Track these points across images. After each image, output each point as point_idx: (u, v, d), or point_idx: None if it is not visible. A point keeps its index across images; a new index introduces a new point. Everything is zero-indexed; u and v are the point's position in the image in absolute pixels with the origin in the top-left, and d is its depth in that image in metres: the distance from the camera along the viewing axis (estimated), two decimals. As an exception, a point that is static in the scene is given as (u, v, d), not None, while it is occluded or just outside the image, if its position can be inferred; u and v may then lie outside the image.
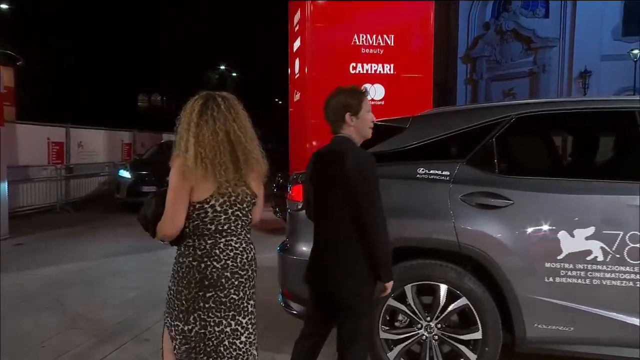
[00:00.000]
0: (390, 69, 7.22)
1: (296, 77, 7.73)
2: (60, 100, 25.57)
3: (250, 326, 2.00)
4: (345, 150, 2.24)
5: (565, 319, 2.54)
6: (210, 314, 1.90)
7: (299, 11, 7.38)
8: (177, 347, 1.95)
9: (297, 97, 7.71)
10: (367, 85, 7.07)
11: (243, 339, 1.96)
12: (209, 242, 1.91)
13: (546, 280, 2.56)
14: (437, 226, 2.76)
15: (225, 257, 1.92)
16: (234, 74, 33.63)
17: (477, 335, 2.65)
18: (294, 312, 3.01)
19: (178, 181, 1.86)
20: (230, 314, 1.92)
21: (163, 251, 6.74)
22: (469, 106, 3.41)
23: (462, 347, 2.68)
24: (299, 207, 2.96)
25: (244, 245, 1.98)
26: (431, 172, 2.78)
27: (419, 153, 2.88)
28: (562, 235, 2.52)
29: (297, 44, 7.65)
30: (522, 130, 2.84)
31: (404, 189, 2.84)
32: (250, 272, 2.01)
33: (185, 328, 1.90)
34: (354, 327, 2.21)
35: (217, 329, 1.90)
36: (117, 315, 4.32)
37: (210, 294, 1.89)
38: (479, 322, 2.64)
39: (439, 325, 2.72)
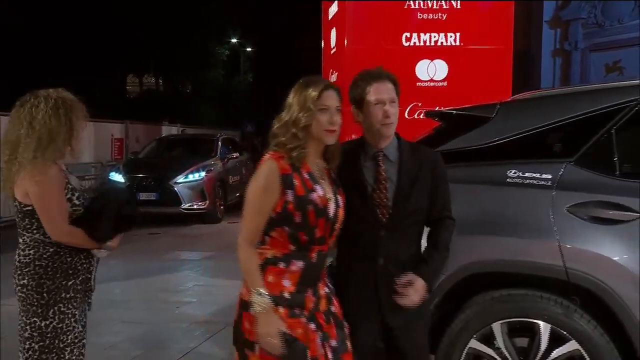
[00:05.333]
0: (455, 40, 7.15)
1: (332, 52, 7.76)
2: (25, 87, 25.68)
3: None
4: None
5: None
6: None
7: (335, -33, 7.43)
8: None
9: (333, 77, 7.75)
10: (426, 61, 7.06)
11: None
12: None
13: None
14: (535, 246, 2.74)
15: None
16: (249, 49, 34.04)
17: (591, 390, 2.60)
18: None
19: None
20: None
21: (167, 275, 6.91)
22: (577, 88, 3.38)
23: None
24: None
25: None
26: (526, 175, 2.76)
27: (509, 150, 2.87)
28: None
29: (333, 9, 7.69)
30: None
31: (489, 197, 2.84)
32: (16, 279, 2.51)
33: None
34: None
35: None
36: None
37: None
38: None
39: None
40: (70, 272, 2.51)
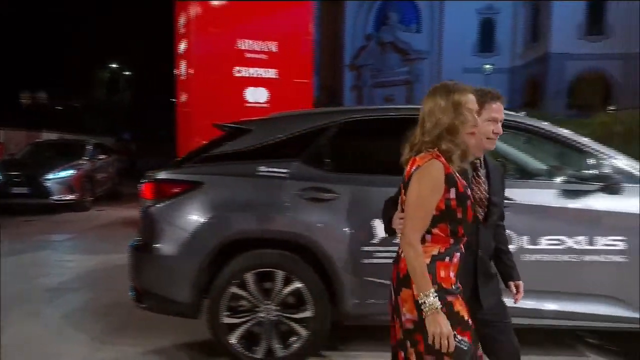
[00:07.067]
0: (274, 74, 7.28)
1: (182, 78, 7.52)
2: None
3: None
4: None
5: (378, 295, 2.74)
6: None
7: (184, 13, 7.18)
8: None
9: (183, 98, 7.50)
10: (252, 88, 7.12)
11: None
12: None
13: (364, 261, 2.77)
14: (277, 219, 2.84)
15: None
16: (127, 73, 31.56)
17: (309, 313, 2.78)
18: (145, 306, 2.96)
19: None
20: None
21: (36, 253, 6.19)
22: (304, 111, 3.58)
23: (296, 325, 2.80)
24: (150, 204, 2.92)
25: None
26: (271, 169, 2.86)
27: (261, 153, 2.94)
28: (376, 223, 2.75)
29: (182, 46, 7.45)
30: (348, 132, 3.05)
31: (247, 185, 2.88)
32: None
33: None
34: None
35: None
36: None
37: None
38: (309, 301, 2.78)
39: (276, 307, 2.81)
40: None
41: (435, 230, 1.69)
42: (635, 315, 2.73)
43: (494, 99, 1.99)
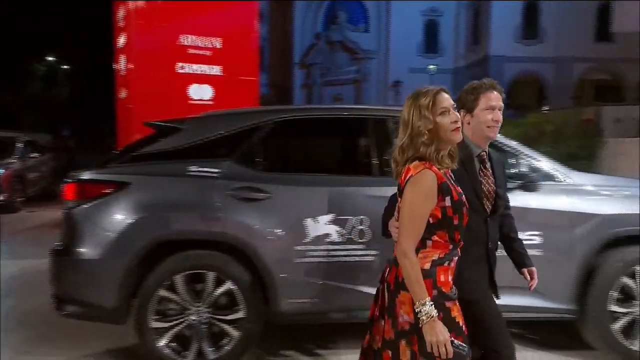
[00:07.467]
0: (218, 71, 7.12)
1: (122, 74, 7.20)
2: None
3: None
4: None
5: (311, 293, 2.79)
6: None
7: (123, 6, 6.87)
8: None
9: (123, 94, 7.18)
10: (196, 85, 6.93)
11: None
12: None
13: (296, 260, 2.77)
14: (207, 219, 2.78)
15: None
16: (66, 67, 29.84)
17: (241, 314, 2.75)
18: (67, 312, 2.81)
19: None
20: None
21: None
22: (236, 110, 3.53)
23: (227, 327, 2.75)
24: (72, 205, 2.77)
25: None
26: (202, 169, 2.79)
27: (192, 152, 2.87)
28: (309, 222, 2.77)
29: (122, 40, 7.13)
30: (281, 132, 3.02)
31: (176, 185, 2.80)
32: None
33: None
34: None
35: None
36: None
37: None
38: (241, 302, 2.74)
39: (207, 309, 2.75)
40: None
41: (435, 238, 1.71)
42: (552, 305, 2.91)
43: (489, 88, 1.99)
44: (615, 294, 2.89)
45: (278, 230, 2.77)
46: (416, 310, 1.62)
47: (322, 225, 2.76)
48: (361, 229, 2.79)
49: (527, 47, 28.58)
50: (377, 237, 2.75)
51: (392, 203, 1.90)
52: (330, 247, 2.77)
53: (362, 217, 2.78)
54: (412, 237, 1.67)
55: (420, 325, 1.62)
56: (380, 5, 32.89)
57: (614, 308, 2.89)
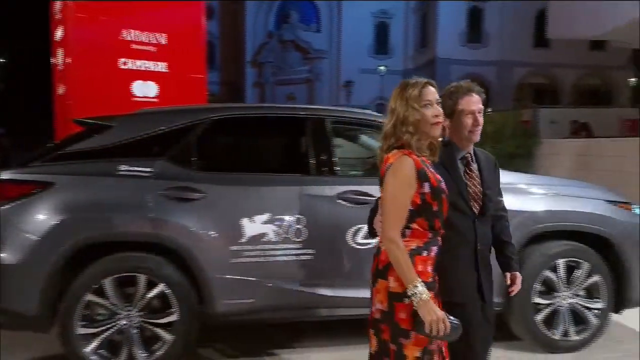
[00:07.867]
0: (164, 67, 6.86)
1: (60, 68, 6.79)
2: None
3: None
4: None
5: (248, 294, 2.75)
6: None
7: (60, -4, 6.48)
8: None
9: (61, 90, 6.78)
10: (140, 82, 6.67)
11: None
12: None
13: (232, 261, 2.72)
14: (138, 220, 2.68)
15: None
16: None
17: (175, 317, 2.66)
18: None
19: None
20: None
21: None
22: (171, 107, 3.44)
23: (160, 330, 2.67)
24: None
25: None
26: (133, 168, 2.70)
27: (122, 150, 2.76)
28: (245, 221, 2.73)
29: (59, 33, 6.72)
30: (216, 130, 2.95)
31: (105, 185, 2.69)
32: None
33: None
34: None
35: None
36: None
37: None
38: (175, 305, 2.66)
39: (139, 313, 2.65)
40: None
41: (414, 225, 1.71)
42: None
43: (466, 92, 1.97)
44: (538, 287, 3.03)
45: (213, 231, 2.71)
46: (409, 293, 1.62)
47: (258, 225, 2.73)
48: (298, 228, 2.78)
49: (472, 50, 29.72)
50: (313, 236, 2.79)
51: (378, 204, 1.89)
52: (267, 246, 2.74)
53: (298, 216, 2.77)
54: (396, 224, 1.68)
55: (416, 308, 1.62)
56: (331, 5, 33.15)
57: (537, 300, 3.02)
